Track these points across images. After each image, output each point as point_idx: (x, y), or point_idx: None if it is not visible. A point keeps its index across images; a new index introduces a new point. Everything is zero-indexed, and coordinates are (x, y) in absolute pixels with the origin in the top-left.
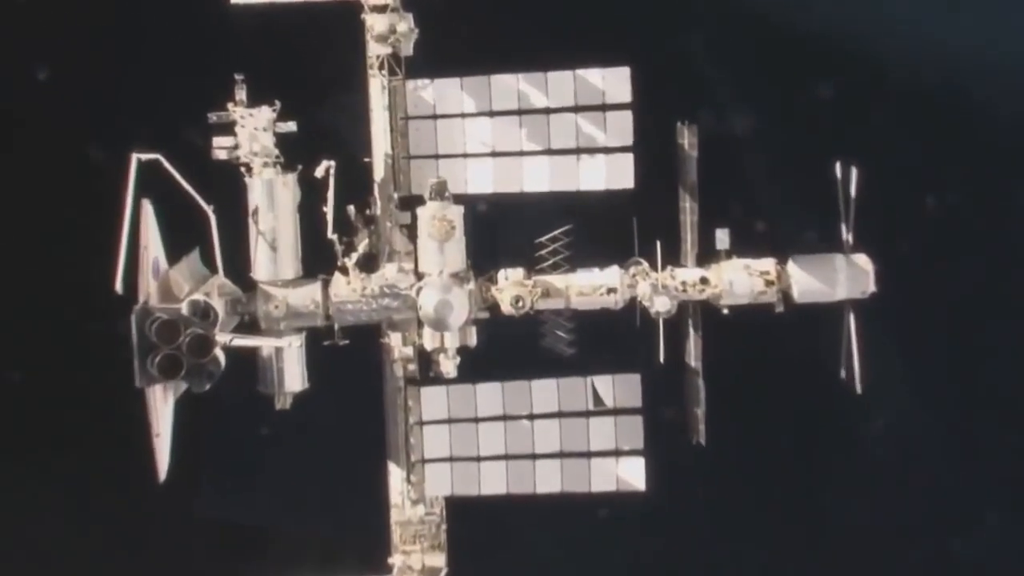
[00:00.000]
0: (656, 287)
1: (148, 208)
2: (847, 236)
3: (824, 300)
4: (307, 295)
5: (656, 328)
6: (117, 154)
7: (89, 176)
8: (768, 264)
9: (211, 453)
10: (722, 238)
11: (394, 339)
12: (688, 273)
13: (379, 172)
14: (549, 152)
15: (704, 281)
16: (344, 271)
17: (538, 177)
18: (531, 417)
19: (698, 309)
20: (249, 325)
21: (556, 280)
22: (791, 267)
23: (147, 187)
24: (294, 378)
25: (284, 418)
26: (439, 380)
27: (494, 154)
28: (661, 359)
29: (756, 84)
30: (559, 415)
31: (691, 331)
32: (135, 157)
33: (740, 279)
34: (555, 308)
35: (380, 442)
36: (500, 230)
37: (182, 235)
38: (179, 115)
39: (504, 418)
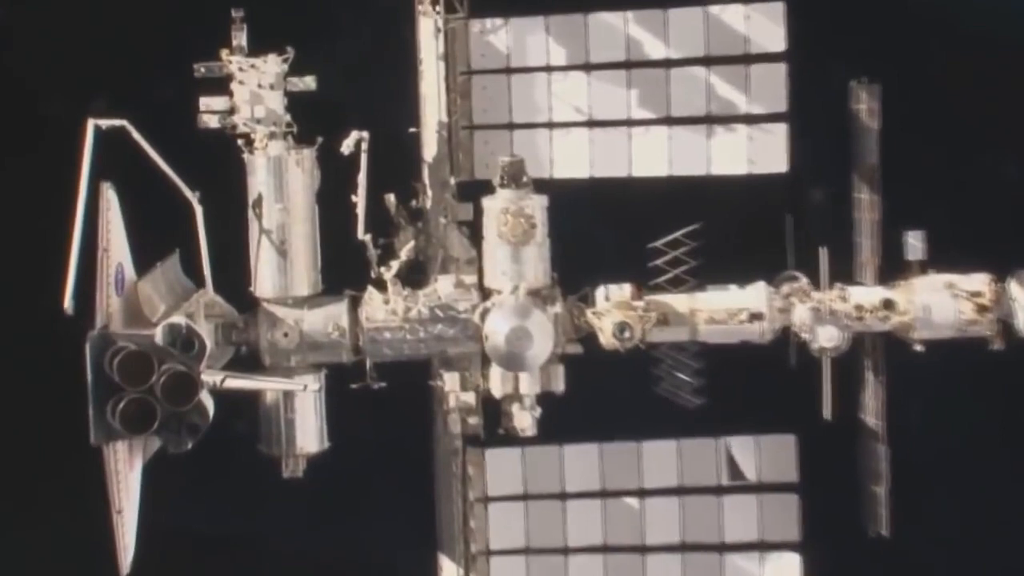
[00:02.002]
0: (820, 313)
1: (110, 195)
2: None
3: None
4: (328, 318)
5: (819, 370)
6: (69, 118)
7: (28, 149)
8: (981, 281)
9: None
10: (914, 244)
11: (449, 381)
12: (866, 294)
13: (430, 148)
14: (668, 122)
15: (888, 305)
16: (381, 285)
17: (653, 156)
18: (641, 494)
19: (879, 344)
20: (248, 360)
21: (678, 301)
22: (1015, 287)
23: (109, 166)
24: (309, 435)
25: (294, 490)
26: (512, 439)
27: (591, 123)
28: (827, 415)
29: (962, 25)
30: (680, 491)
31: (869, 375)
32: (92, 124)
33: (941, 302)
34: (676, 341)
35: (428, 526)
36: (599, 230)
37: (156, 233)
38: (154, 66)
39: (603, 494)
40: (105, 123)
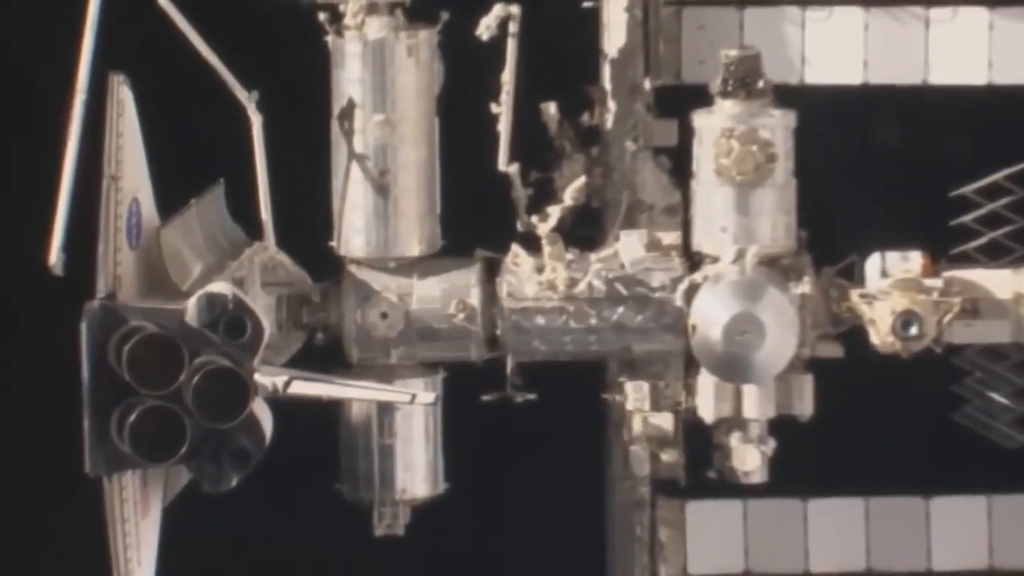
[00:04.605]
0: None
1: (124, 95)
2: None
3: None
4: (450, 293)
5: None
6: None
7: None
8: None
9: None
10: None
11: (634, 395)
12: None
13: (615, 34)
14: (989, 0)
15: None
16: (532, 244)
17: (962, 55)
18: None
19: None
20: (326, 352)
21: (994, 282)
22: None
23: (124, 53)
24: (417, 471)
25: (391, 552)
26: (729, 487)
27: (869, 1)
28: None
29: None
30: (991, 575)
31: None
32: None
33: None
34: (991, 343)
35: None
36: (874, 166)
37: (191, 154)
38: None
39: None
40: None
